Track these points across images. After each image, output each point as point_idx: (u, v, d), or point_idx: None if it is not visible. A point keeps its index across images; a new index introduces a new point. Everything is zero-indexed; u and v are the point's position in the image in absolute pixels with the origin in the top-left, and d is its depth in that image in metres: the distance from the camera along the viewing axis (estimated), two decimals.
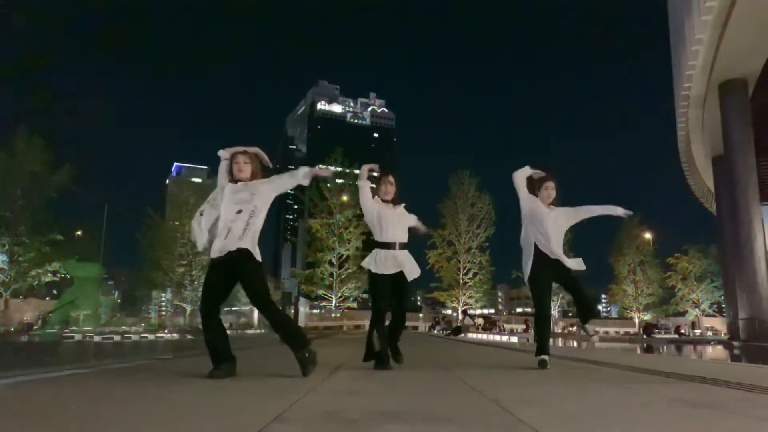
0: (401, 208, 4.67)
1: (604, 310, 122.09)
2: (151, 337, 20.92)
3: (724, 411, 2.28)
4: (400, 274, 4.43)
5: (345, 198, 41.64)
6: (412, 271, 4.48)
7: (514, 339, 20.95)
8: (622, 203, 4.81)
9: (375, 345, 4.31)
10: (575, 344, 22.94)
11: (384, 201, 4.62)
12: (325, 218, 41.24)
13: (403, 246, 4.54)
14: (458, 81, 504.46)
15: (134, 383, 3.20)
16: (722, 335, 34.70)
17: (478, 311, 58.08)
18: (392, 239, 4.50)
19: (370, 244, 4.82)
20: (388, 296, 4.42)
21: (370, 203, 4.62)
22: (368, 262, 4.55)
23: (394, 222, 4.53)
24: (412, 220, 4.75)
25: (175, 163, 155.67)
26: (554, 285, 4.92)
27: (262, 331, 37.48)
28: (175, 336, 22.98)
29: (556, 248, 4.61)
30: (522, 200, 4.90)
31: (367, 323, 4.65)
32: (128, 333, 22.60)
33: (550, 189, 4.82)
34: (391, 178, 4.70)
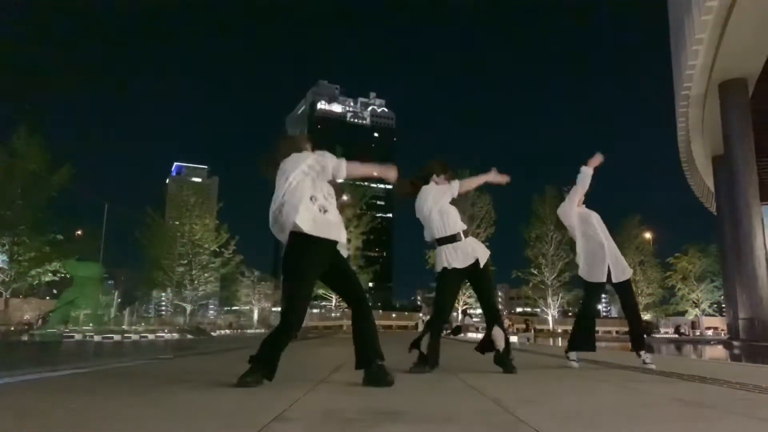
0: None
1: (604, 309, 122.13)
2: (151, 337, 20.89)
3: (724, 411, 2.28)
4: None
5: (345, 198, 41.58)
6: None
7: (514, 339, 20.93)
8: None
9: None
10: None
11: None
12: None
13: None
14: (458, 81, 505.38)
15: (134, 383, 3.20)
16: (722, 335, 34.69)
17: (478, 311, 58.02)
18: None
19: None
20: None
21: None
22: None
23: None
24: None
25: (175, 163, 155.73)
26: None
27: (262, 330, 37.51)
28: (175, 336, 22.96)
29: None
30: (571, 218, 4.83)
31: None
32: (128, 333, 22.56)
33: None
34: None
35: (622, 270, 4.65)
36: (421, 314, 54.50)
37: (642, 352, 4.63)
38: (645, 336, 4.76)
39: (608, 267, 4.59)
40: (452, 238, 4.00)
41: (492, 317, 4.04)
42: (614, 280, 4.60)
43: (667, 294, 46.30)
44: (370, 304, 3.25)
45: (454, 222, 4.03)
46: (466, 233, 4.05)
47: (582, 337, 4.69)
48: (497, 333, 3.98)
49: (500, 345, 3.96)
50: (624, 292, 4.69)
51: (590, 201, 4.91)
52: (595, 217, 4.77)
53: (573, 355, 4.69)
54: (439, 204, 4.06)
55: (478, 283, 4.08)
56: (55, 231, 28.20)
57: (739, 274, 23.43)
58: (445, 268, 4.00)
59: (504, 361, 3.94)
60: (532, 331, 29.06)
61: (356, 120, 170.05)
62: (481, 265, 4.00)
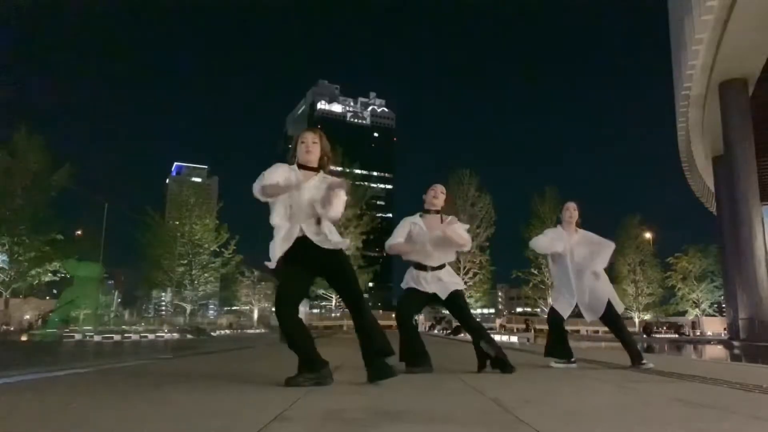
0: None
1: None
2: (151, 337, 20.90)
3: (724, 411, 2.28)
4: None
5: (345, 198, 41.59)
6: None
7: (514, 339, 20.97)
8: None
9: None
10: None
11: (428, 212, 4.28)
12: None
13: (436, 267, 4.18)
14: (458, 81, 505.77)
15: (134, 383, 3.20)
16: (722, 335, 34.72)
17: (478, 311, 58.02)
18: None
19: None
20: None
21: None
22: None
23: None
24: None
25: (175, 163, 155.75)
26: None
27: (262, 330, 37.52)
28: (175, 336, 22.97)
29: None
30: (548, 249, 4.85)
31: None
32: (128, 333, 22.57)
33: (571, 209, 4.83)
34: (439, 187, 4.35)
35: (594, 310, 4.64)
36: (421, 314, 54.42)
37: (644, 363, 4.53)
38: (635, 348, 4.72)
39: (576, 305, 4.68)
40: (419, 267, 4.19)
41: (477, 336, 4.15)
42: (587, 319, 4.71)
43: (667, 294, 46.32)
44: (366, 303, 3.23)
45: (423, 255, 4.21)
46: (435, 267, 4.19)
47: (557, 346, 4.79)
48: (486, 346, 4.09)
49: (492, 353, 4.06)
50: (608, 321, 4.71)
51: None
52: (570, 257, 4.72)
53: (551, 361, 4.75)
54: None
55: (452, 310, 4.25)
56: (55, 231, 28.22)
57: (739, 274, 23.43)
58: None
59: (502, 362, 4.01)
60: (532, 331, 29.03)
61: (356, 120, 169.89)
62: (442, 298, 4.14)
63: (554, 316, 4.76)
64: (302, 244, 3.09)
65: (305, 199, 3.12)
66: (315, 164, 3.26)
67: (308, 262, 3.12)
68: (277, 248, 3.10)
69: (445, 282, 4.15)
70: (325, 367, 3.03)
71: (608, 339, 33.82)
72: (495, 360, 4.03)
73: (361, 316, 3.13)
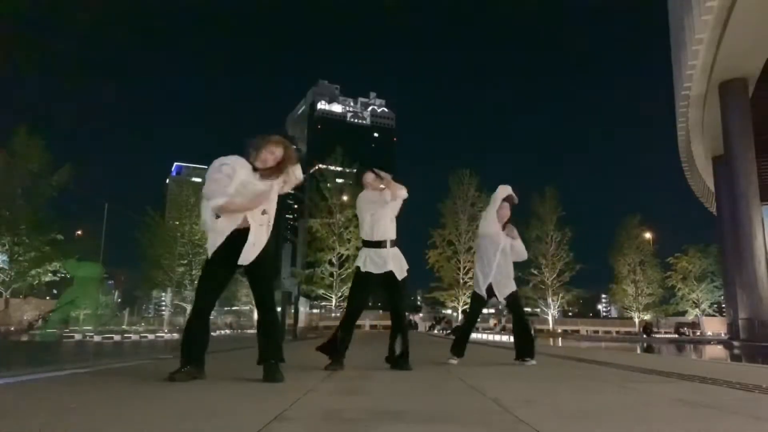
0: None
1: (604, 310, 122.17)
2: (151, 337, 20.88)
3: (724, 411, 2.28)
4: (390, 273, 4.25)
5: (345, 198, 41.67)
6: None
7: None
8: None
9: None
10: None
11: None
12: (325, 218, 41.28)
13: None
14: (459, 81, 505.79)
15: (134, 383, 3.20)
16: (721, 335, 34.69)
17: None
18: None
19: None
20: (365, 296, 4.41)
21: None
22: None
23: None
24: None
25: (175, 163, 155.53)
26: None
27: None
28: (175, 336, 22.95)
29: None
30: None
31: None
32: (128, 333, 22.55)
33: (505, 209, 5.17)
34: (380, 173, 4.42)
35: (504, 286, 5.07)
36: (420, 314, 54.41)
37: (528, 359, 4.88)
38: (533, 347, 5.08)
39: (490, 285, 5.03)
40: (377, 244, 4.22)
41: (397, 325, 4.31)
42: (500, 297, 5.07)
43: (667, 294, 46.27)
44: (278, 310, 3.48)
45: (383, 230, 4.25)
46: (394, 243, 4.27)
47: (457, 343, 5.15)
48: (398, 341, 4.26)
49: (398, 350, 4.24)
50: (514, 304, 5.15)
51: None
52: (502, 244, 5.16)
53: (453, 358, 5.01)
54: (371, 210, 4.27)
55: (391, 292, 4.28)
56: (55, 231, 28.21)
57: (739, 274, 23.41)
58: (359, 268, 4.27)
59: (399, 363, 4.16)
60: (533, 331, 29.03)
61: (356, 120, 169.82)
62: (398, 278, 4.22)
63: (478, 296, 5.07)
64: (238, 238, 3.23)
65: (256, 190, 3.28)
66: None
67: (236, 257, 3.23)
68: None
69: (401, 263, 4.26)
70: (191, 366, 3.23)
71: (608, 339, 33.82)
72: (393, 359, 4.18)
73: (268, 316, 3.35)
